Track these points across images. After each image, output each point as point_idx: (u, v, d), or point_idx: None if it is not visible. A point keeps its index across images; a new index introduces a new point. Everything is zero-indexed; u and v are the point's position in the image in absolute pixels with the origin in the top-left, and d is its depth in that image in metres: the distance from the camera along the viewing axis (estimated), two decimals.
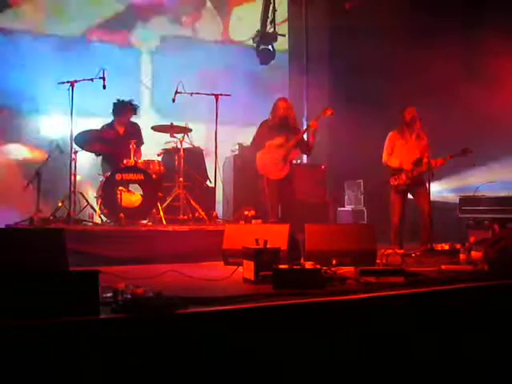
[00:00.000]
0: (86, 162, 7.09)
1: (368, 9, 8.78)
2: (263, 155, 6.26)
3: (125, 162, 6.18)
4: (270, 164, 6.22)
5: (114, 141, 6.45)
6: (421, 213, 6.36)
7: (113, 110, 6.80)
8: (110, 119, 6.89)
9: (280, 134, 6.25)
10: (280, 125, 6.29)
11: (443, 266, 4.13)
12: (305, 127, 7.20)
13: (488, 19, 8.03)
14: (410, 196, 6.50)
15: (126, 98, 6.81)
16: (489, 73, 7.79)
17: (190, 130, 6.79)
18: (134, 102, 6.87)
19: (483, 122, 7.80)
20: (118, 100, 6.79)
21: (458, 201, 8.02)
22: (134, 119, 6.99)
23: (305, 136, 6.47)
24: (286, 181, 6.27)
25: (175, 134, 6.76)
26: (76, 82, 6.10)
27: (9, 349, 2.02)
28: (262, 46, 9.54)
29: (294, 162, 6.64)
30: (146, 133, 7.00)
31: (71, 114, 6.07)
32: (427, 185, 6.25)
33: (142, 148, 6.91)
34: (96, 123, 6.77)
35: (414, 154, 6.38)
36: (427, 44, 8.18)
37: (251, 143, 6.58)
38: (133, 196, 5.96)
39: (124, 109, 6.77)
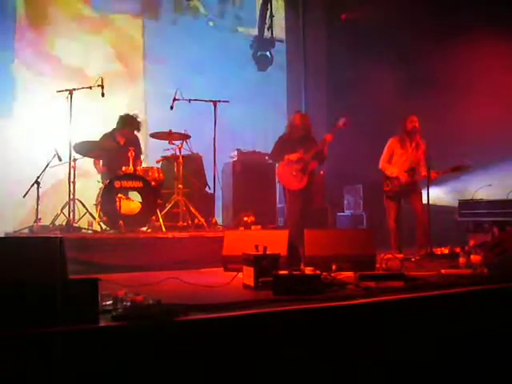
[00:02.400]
0: (85, 170, 7.10)
1: (364, 18, 8.86)
2: (283, 167, 6.62)
3: (124, 169, 6.18)
4: (290, 176, 6.54)
5: (114, 150, 6.48)
6: (416, 217, 6.35)
7: (119, 121, 6.82)
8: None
9: (299, 147, 6.52)
10: (299, 138, 6.58)
11: (443, 271, 4.13)
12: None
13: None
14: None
15: (133, 113, 6.88)
16: (486, 79, 7.84)
17: (189, 137, 6.79)
18: (139, 119, 6.92)
19: (483, 124, 7.82)
20: (127, 114, 6.84)
21: (457, 204, 8.03)
22: None
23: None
24: (306, 191, 6.57)
25: (174, 141, 6.76)
26: (75, 90, 6.11)
27: (8, 358, 2.02)
28: (259, 52, 9.55)
29: None
30: (145, 140, 7.02)
31: (70, 121, 6.08)
32: (421, 190, 6.26)
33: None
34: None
35: (410, 163, 6.38)
36: (423, 50, 8.25)
37: (270, 153, 6.91)
38: (132, 203, 5.96)
39: (131, 123, 6.81)
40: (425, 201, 6.14)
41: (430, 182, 6.01)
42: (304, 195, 6.56)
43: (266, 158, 7.77)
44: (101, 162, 6.77)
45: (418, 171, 6.33)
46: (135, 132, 6.94)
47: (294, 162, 6.50)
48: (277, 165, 6.77)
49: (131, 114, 6.89)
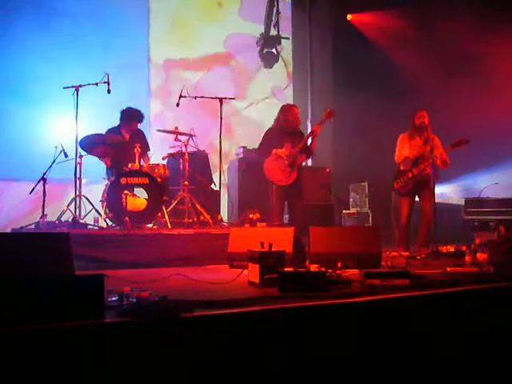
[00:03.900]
0: (92, 166, 7.11)
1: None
2: (271, 163, 6.44)
3: (130, 165, 6.19)
4: (278, 171, 6.40)
5: (120, 145, 6.48)
6: (422, 214, 6.34)
7: (122, 116, 6.83)
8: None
9: (287, 140, 6.39)
10: (288, 130, 6.44)
11: (448, 269, 4.12)
12: (309, 131, 7.20)
13: None
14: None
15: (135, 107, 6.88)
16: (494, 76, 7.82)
17: (195, 135, 6.80)
18: (142, 112, 6.92)
19: (491, 122, 7.80)
20: (129, 107, 6.83)
21: (463, 203, 8.02)
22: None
23: (308, 140, 6.54)
24: (295, 186, 6.42)
25: (180, 138, 6.76)
26: (81, 86, 6.13)
27: (13, 353, 2.03)
28: (265, 49, 9.55)
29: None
30: (150, 137, 7.04)
31: (76, 118, 6.10)
32: (433, 187, 6.23)
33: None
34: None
35: (417, 156, 6.37)
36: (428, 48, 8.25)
37: (257, 149, 6.77)
38: (138, 200, 5.97)
39: (133, 117, 6.81)
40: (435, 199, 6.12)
41: (436, 176, 5.97)
42: (291, 190, 6.43)
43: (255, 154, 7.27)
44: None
45: (422, 160, 6.30)
46: (139, 126, 6.93)
47: (282, 156, 6.37)
48: (265, 160, 6.49)
49: (132, 107, 6.87)
